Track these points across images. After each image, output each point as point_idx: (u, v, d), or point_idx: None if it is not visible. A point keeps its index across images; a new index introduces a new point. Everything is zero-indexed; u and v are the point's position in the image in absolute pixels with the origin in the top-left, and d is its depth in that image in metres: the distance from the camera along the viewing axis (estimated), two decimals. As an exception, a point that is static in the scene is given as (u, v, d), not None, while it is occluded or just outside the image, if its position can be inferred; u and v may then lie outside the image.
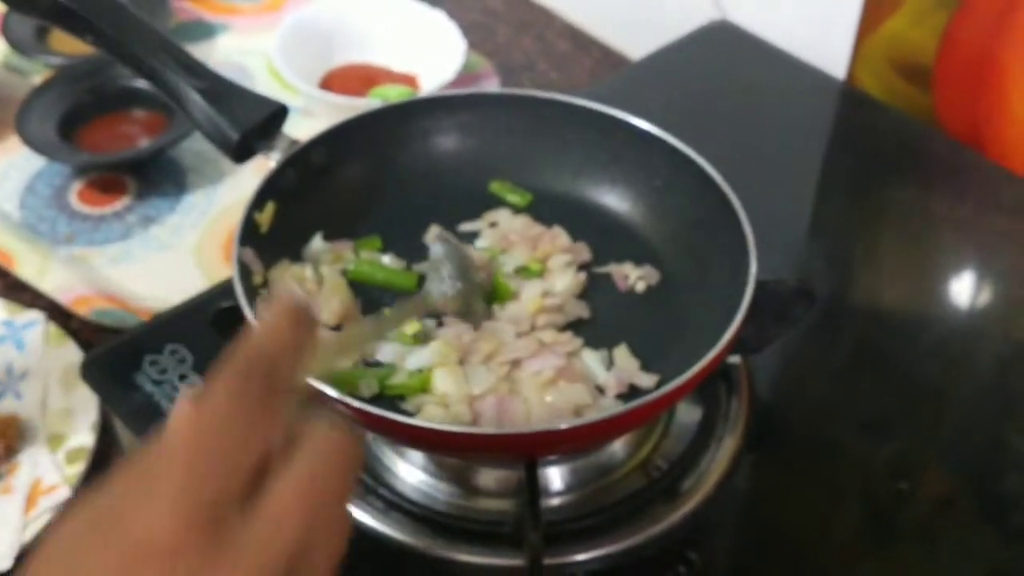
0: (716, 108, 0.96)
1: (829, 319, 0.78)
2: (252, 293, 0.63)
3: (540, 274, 0.70)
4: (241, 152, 0.68)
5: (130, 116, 0.98)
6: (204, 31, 1.12)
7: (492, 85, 1.06)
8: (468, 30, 1.05)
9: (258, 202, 0.66)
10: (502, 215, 0.74)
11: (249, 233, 0.65)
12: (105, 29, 0.68)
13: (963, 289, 0.85)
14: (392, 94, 1.00)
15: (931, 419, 0.74)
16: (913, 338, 0.80)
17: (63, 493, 0.71)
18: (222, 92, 0.68)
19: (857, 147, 0.96)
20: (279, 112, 0.69)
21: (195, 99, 0.67)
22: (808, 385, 0.77)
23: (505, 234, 0.72)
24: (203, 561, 0.35)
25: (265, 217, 0.67)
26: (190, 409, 0.38)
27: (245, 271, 0.64)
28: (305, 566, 0.38)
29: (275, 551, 0.37)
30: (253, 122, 0.68)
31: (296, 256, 0.69)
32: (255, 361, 0.39)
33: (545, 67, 1.11)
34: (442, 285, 0.65)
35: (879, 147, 0.95)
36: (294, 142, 0.69)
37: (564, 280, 0.69)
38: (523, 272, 0.70)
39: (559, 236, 0.72)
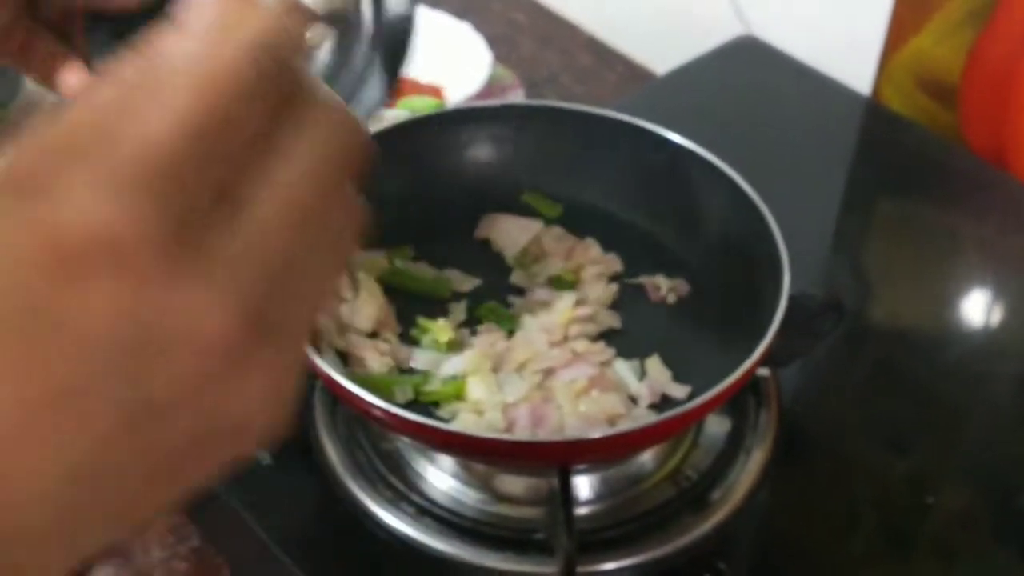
0: (741, 122, 0.96)
1: (853, 333, 0.79)
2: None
3: (573, 285, 0.71)
4: None
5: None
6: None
7: (517, 97, 1.07)
8: (493, 43, 1.06)
9: None
10: (535, 226, 0.74)
11: None
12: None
13: (985, 306, 0.85)
14: (419, 105, 1.00)
15: (953, 435, 0.75)
16: (935, 354, 0.80)
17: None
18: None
19: (881, 163, 0.97)
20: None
21: None
22: (832, 399, 0.77)
23: (539, 245, 0.73)
24: (161, 260, 0.26)
25: None
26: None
27: None
28: (289, 293, 0.29)
29: (258, 260, 0.28)
30: None
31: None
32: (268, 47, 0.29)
33: (569, 81, 1.12)
34: None
35: (903, 163, 0.96)
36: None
37: (596, 291, 0.70)
38: (556, 282, 0.71)
39: (591, 247, 0.73)
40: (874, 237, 0.91)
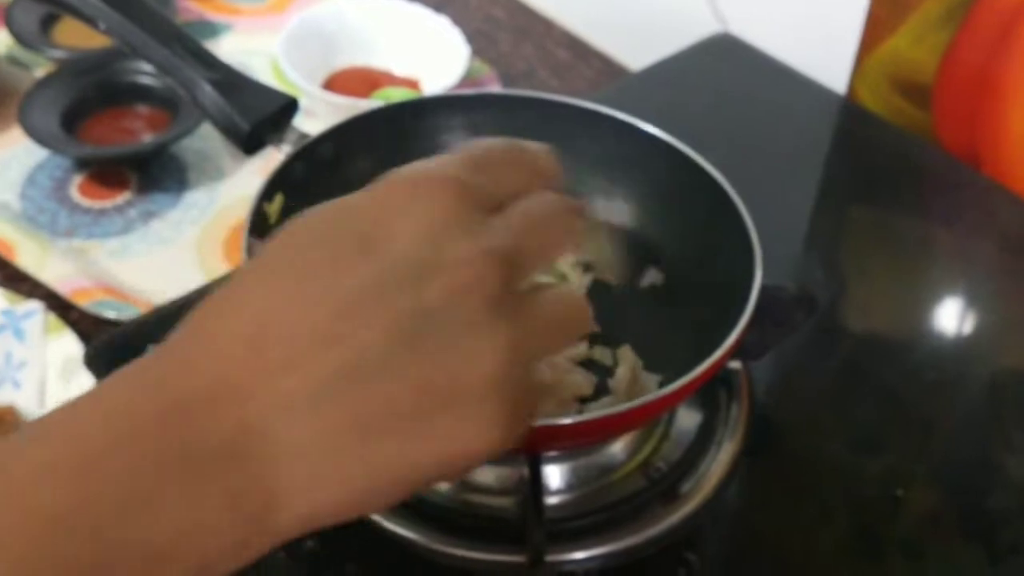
0: (716, 119, 0.97)
1: (825, 328, 0.79)
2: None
3: (547, 273, 0.71)
4: (251, 143, 0.68)
5: (134, 111, 0.98)
6: (208, 31, 1.13)
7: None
8: (470, 37, 1.06)
9: (267, 193, 0.66)
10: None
11: (258, 223, 0.65)
12: (118, 17, 0.68)
13: (957, 305, 0.85)
14: (395, 96, 1.00)
15: (923, 432, 0.75)
16: (907, 350, 0.80)
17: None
18: (234, 83, 0.68)
19: (856, 162, 0.97)
20: (290, 105, 0.69)
21: (207, 89, 0.67)
22: (803, 393, 0.78)
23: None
24: (464, 205, 0.40)
25: (274, 208, 0.67)
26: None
27: None
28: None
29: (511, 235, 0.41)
30: (264, 114, 0.68)
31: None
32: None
33: (545, 75, 1.12)
34: None
35: (877, 162, 0.96)
36: (304, 135, 0.70)
37: (570, 280, 0.70)
38: (529, 271, 0.71)
39: (565, 237, 0.73)
40: (847, 234, 0.91)
